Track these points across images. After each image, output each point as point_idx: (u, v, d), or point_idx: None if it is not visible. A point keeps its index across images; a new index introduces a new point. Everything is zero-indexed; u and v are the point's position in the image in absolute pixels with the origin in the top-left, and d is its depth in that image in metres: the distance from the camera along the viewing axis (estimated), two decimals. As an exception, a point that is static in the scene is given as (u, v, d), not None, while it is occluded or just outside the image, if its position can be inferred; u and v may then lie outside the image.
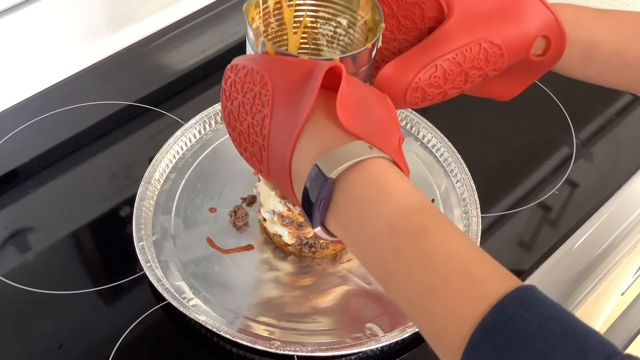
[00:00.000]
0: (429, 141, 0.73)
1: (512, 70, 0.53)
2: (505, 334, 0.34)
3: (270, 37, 0.55)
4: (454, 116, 0.79)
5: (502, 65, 0.51)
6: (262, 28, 0.54)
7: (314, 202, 0.41)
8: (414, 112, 0.74)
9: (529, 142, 0.77)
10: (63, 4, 0.78)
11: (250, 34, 0.49)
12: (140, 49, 0.86)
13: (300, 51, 0.57)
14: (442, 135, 0.72)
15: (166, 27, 0.88)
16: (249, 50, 0.50)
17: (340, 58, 0.46)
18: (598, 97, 0.83)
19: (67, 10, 0.79)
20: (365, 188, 0.40)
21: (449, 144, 0.72)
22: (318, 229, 0.43)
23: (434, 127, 0.73)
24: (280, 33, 0.56)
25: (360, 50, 0.48)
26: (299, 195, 0.43)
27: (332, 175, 0.40)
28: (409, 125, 0.75)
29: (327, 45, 0.57)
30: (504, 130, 0.78)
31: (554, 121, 0.79)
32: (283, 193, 0.48)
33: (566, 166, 0.74)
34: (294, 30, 0.56)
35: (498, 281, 0.37)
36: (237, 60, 0.48)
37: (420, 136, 0.74)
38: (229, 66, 0.48)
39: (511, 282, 0.36)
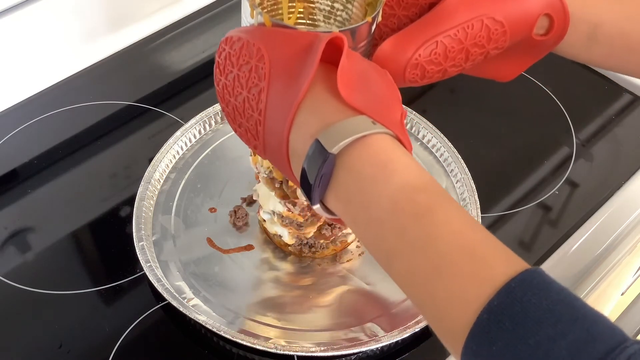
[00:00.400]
0: (429, 141, 0.73)
1: (513, 49, 0.52)
2: (513, 317, 0.33)
3: (266, 10, 0.53)
4: (454, 116, 0.79)
5: (504, 44, 0.50)
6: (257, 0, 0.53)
7: (313, 179, 0.40)
8: (414, 112, 0.74)
9: (529, 142, 0.77)
10: (63, 4, 0.78)
11: (246, 4, 0.47)
12: (140, 49, 0.86)
13: (296, 25, 0.56)
14: (442, 135, 0.72)
15: (166, 27, 0.88)
16: (244, 22, 0.49)
17: (339, 31, 0.44)
18: (598, 97, 0.83)
19: (67, 10, 0.79)
20: (368, 165, 0.39)
21: (449, 144, 0.72)
22: (317, 206, 0.42)
23: (434, 127, 0.73)
24: (275, 7, 0.54)
25: (360, 24, 0.46)
26: (297, 172, 0.42)
27: (334, 150, 0.39)
28: (409, 126, 0.75)
29: (323, 21, 0.55)
30: (504, 130, 0.78)
31: (554, 121, 0.79)
32: (279, 170, 0.46)
33: (566, 166, 0.74)
34: (291, 4, 0.54)
35: (505, 263, 0.36)
36: (232, 33, 0.46)
37: (420, 136, 0.74)
38: (223, 39, 0.46)
39: (518, 264, 0.36)
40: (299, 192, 0.57)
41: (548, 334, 0.32)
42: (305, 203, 0.58)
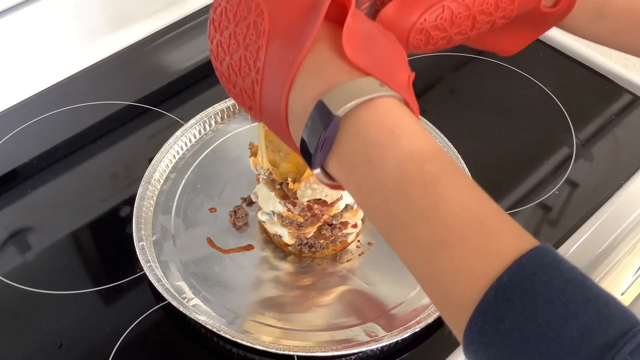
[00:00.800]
0: (429, 141, 0.73)
1: (519, 21, 0.50)
2: (523, 295, 0.32)
3: None
4: (454, 116, 0.79)
5: (512, 13, 0.48)
6: None
7: (315, 142, 0.38)
8: (414, 112, 0.74)
9: (529, 142, 0.77)
10: (63, 4, 0.78)
11: None
12: (140, 49, 0.86)
13: None
14: (442, 135, 0.72)
15: (166, 27, 0.88)
16: None
17: None
18: (598, 97, 0.83)
19: (67, 10, 0.79)
20: (374, 129, 0.37)
21: (449, 144, 0.72)
22: (317, 172, 0.40)
23: (434, 127, 0.73)
24: None
25: None
26: (296, 135, 0.40)
27: (339, 113, 0.37)
28: (409, 125, 0.74)
29: None
30: (504, 130, 0.78)
31: (554, 121, 0.79)
32: (276, 133, 0.44)
33: (566, 166, 0.74)
34: None
35: (514, 238, 0.34)
36: None
37: (420, 136, 0.74)
38: None
39: (528, 240, 0.34)
40: (300, 191, 0.57)
41: (559, 314, 0.31)
42: (305, 204, 0.58)
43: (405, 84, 0.40)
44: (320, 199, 0.58)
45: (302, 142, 0.39)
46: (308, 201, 0.58)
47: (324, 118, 0.37)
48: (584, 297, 0.32)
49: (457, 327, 0.35)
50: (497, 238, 0.35)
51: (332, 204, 0.59)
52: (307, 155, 0.39)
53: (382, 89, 0.38)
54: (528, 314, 0.32)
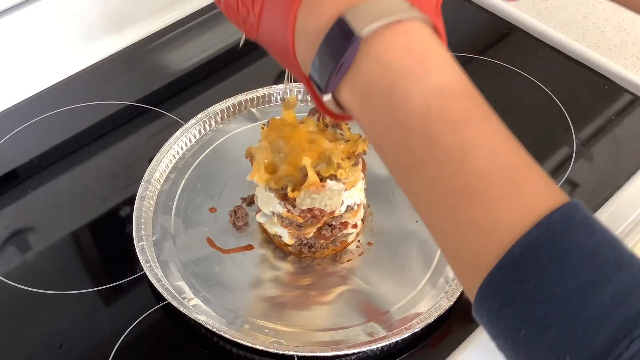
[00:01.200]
0: (429, 141, 0.73)
1: None
2: (552, 255, 0.29)
3: None
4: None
5: None
6: None
7: (332, 65, 0.34)
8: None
9: (529, 142, 0.77)
10: (63, 4, 0.78)
11: None
12: (140, 49, 0.86)
13: None
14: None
15: (166, 27, 0.88)
16: None
17: None
18: (598, 97, 0.83)
19: (67, 10, 0.79)
20: (401, 56, 0.33)
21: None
22: (328, 98, 0.35)
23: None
24: None
25: None
26: (304, 57, 0.36)
27: (364, 33, 0.32)
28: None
29: None
30: (504, 130, 0.78)
31: (554, 121, 0.79)
32: (273, 53, 0.39)
33: (566, 166, 0.74)
34: None
35: (546, 191, 0.32)
36: None
37: (420, 136, 0.74)
38: None
39: (559, 194, 0.31)
40: (299, 200, 0.56)
41: (590, 278, 0.29)
42: (304, 207, 0.58)
43: (434, 6, 0.36)
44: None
45: (314, 64, 0.35)
46: (308, 202, 0.58)
47: (345, 38, 0.33)
48: (617, 260, 0.29)
49: (471, 281, 0.32)
50: (528, 189, 0.32)
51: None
52: (320, 77, 0.35)
53: (412, 11, 0.34)
54: (557, 276, 0.29)
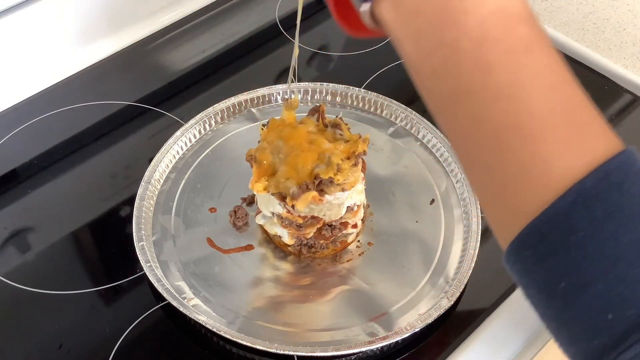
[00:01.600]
0: (429, 141, 0.73)
1: None
2: (607, 207, 0.27)
3: None
4: (454, 116, 0.79)
5: None
6: None
7: None
8: (414, 112, 0.74)
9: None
10: (63, 4, 0.78)
11: None
12: (140, 49, 0.86)
13: None
14: (442, 135, 0.72)
15: (166, 27, 0.88)
16: None
17: None
18: (598, 97, 0.82)
19: (67, 10, 0.79)
20: None
21: (449, 143, 0.72)
22: (366, 8, 0.32)
23: (434, 127, 0.73)
24: None
25: None
26: None
27: None
28: (409, 125, 0.75)
29: None
30: (504, 130, 0.78)
31: (554, 121, 0.79)
32: None
33: (566, 166, 0.74)
34: None
35: (603, 137, 0.30)
36: None
37: (420, 136, 0.74)
38: None
39: (615, 141, 0.30)
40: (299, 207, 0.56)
41: None
42: (304, 214, 0.58)
43: None
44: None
45: None
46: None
47: None
48: None
49: (510, 227, 0.30)
50: (585, 133, 0.29)
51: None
52: None
53: None
54: (610, 230, 0.27)
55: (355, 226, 0.63)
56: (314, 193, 0.56)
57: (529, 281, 0.30)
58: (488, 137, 0.30)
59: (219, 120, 0.74)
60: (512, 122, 0.29)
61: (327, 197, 0.57)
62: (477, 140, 0.30)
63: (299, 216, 0.59)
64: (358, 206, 0.62)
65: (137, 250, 0.62)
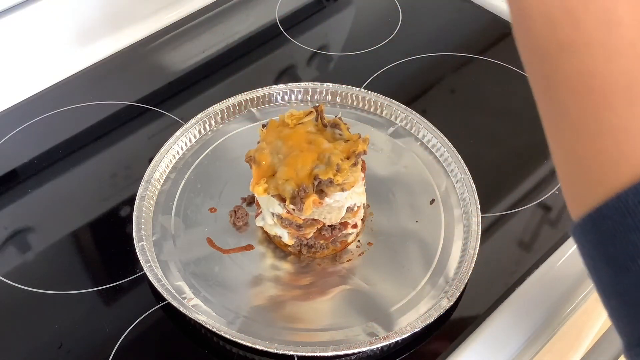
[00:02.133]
0: (429, 141, 0.73)
1: None
2: None
3: None
4: (454, 116, 0.79)
5: None
6: None
7: None
8: (414, 112, 0.74)
9: (529, 142, 0.77)
10: (63, 4, 0.78)
11: None
12: (140, 49, 0.86)
13: None
14: (442, 135, 0.72)
15: (166, 27, 0.88)
16: None
17: None
18: None
19: (67, 10, 0.79)
20: None
21: (449, 144, 0.72)
22: None
23: (434, 127, 0.73)
24: None
25: None
26: None
27: None
28: (409, 125, 0.75)
29: None
30: (504, 130, 0.78)
31: (554, 121, 0.79)
32: None
33: (566, 166, 0.74)
34: None
35: None
36: None
37: (420, 136, 0.74)
38: None
39: None
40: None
41: None
42: (303, 217, 0.58)
43: None
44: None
45: None
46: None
47: None
48: None
49: (591, 195, 0.29)
50: None
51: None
52: None
53: None
54: None
55: (355, 226, 0.63)
56: (314, 196, 0.57)
57: (600, 254, 0.29)
58: (595, 94, 0.28)
59: (219, 120, 0.74)
60: (626, 83, 0.28)
61: (326, 200, 0.57)
62: (581, 97, 0.29)
63: (299, 217, 0.59)
64: (358, 206, 0.62)
65: (137, 250, 0.62)
